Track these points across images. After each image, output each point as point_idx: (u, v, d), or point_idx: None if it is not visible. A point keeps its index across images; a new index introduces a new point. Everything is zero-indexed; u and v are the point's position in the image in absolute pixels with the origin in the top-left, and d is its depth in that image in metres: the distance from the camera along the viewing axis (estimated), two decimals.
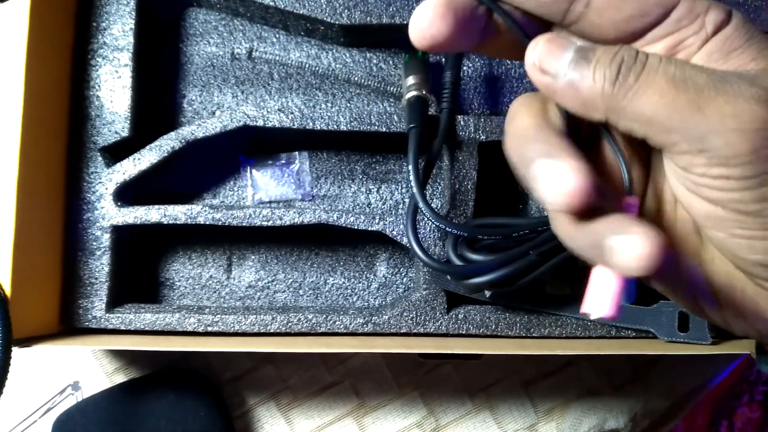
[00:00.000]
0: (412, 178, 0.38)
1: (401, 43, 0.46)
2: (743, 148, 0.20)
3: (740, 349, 0.40)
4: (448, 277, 0.41)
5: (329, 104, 0.46)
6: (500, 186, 0.47)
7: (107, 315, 0.42)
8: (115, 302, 0.43)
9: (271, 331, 0.42)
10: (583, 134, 0.24)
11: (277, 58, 0.46)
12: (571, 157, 0.21)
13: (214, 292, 0.47)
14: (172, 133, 0.43)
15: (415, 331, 0.42)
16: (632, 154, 0.25)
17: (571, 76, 0.22)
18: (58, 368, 0.48)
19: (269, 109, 0.43)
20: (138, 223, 0.42)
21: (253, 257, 0.47)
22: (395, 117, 0.43)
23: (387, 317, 0.42)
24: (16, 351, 0.36)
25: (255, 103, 0.46)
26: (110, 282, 0.42)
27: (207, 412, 0.45)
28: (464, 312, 0.42)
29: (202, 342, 0.40)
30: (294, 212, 0.42)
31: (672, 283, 0.25)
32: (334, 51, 0.46)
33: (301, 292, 0.47)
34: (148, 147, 0.43)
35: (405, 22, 0.42)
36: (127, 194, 0.43)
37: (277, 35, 0.47)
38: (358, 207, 0.47)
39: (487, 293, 0.42)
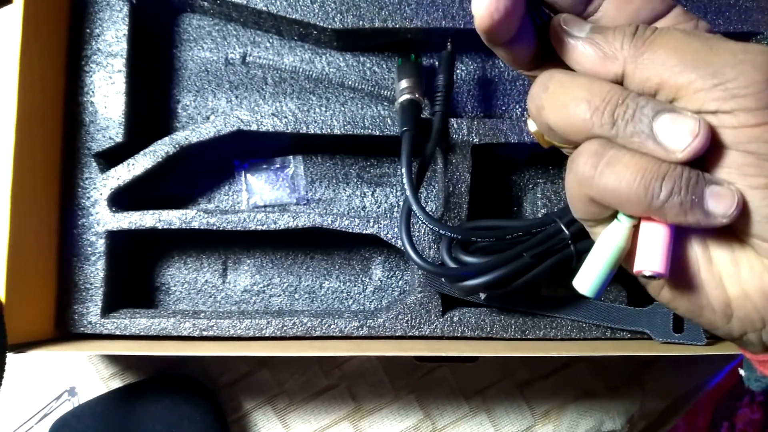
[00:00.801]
0: (405, 181, 0.38)
1: (394, 46, 0.46)
2: (756, 76, 0.21)
3: (735, 350, 0.40)
4: (443, 279, 0.41)
5: (323, 108, 0.46)
6: (494, 188, 0.47)
7: (102, 320, 0.42)
8: (110, 307, 0.43)
9: (266, 335, 0.42)
10: None
11: (271, 62, 0.47)
12: None
13: (210, 296, 0.47)
14: (166, 138, 0.43)
15: (410, 334, 0.42)
16: None
17: (592, 35, 0.24)
18: (55, 374, 0.48)
19: (263, 114, 0.43)
20: (133, 228, 0.42)
21: (248, 261, 0.47)
22: (389, 120, 0.43)
23: (382, 320, 0.42)
24: (11, 357, 0.36)
25: (249, 108, 0.46)
26: (105, 287, 0.42)
27: (203, 417, 0.45)
28: (459, 314, 0.42)
29: (197, 346, 0.40)
30: (288, 216, 0.42)
31: (695, 299, 0.25)
32: (327, 55, 0.47)
33: (296, 296, 0.47)
34: (142, 152, 0.43)
35: (397, 26, 0.43)
36: (121, 199, 0.43)
37: (270, 40, 0.47)
38: (352, 210, 0.47)
39: (482, 295, 0.42)
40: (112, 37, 0.43)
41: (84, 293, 0.42)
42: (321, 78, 0.46)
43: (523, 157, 0.47)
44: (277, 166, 0.47)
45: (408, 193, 0.38)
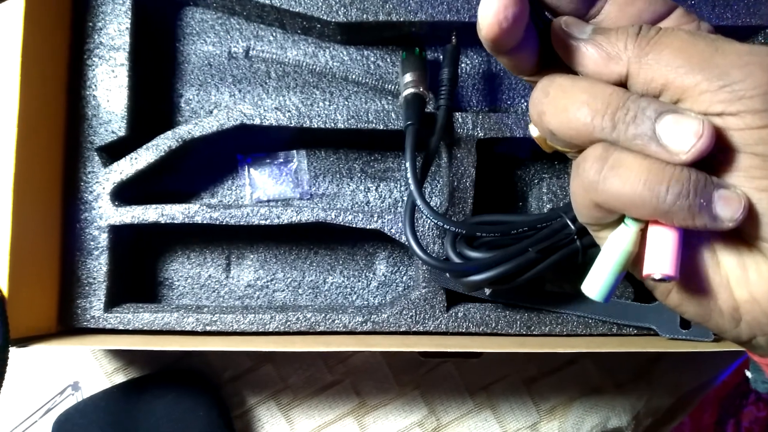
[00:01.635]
0: (409, 176, 0.38)
1: (398, 40, 0.46)
2: (763, 78, 0.21)
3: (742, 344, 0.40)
4: (447, 275, 0.41)
5: (327, 102, 0.46)
6: (499, 183, 0.47)
7: (105, 315, 0.42)
8: (113, 302, 0.43)
9: (270, 330, 0.42)
10: None
11: (274, 56, 0.46)
12: None
13: (213, 291, 0.47)
14: (169, 133, 0.42)
15: (414, 329, 0.42)
16: None
17: (594, 36, 0.23)
18: (58, 368, 0.48)
19: (266, 108, 0.42)
20: (135, 222, 0.42)
21: (252, 256, 0.47)
22: (393, 114, 0.42)
23: (386, 316, 0.42)
24: (15, 351, 0.36)
25: (252, 102, 0.46)
26: (108, 282, 0.42)
27: (207, 412, 0.45)
28: (464, 310, 0.42)
29: (200, 341, 0.40)
30: (292, 211, 0.42)
31: (704, 301, 0.24)
32: (331, 49, 0.46)
33: (300, 291, 0.47)
34: (145, 146, 0.42)
35: (401, 19, 0.42)
36: (124, 194, 0.43)
37: (273, 34, 0.46)
38: (356, 205, 0.47)
39: (487, 291, 0.41)
40: (114, 31, 0.43)
41: (87, 288, 0.42)
42: (324, 72, 0.46)
43: (528, 152, 0.47)
44: (281, 160, 0.47)
45: (412, 187, 0.38)
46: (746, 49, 0.21)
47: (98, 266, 0.42)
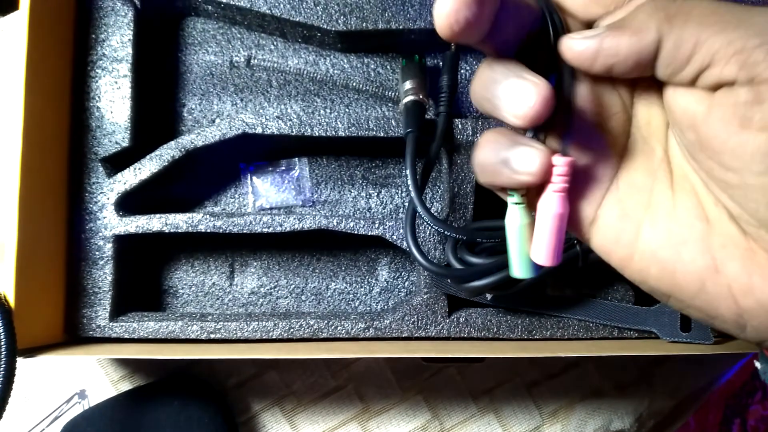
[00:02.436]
0: (409, 182, 0.38)
1: (398, 47, 0.46)
2: (738, 34, 0.20)
3: (743, 349, 0.40)
4: (449, 280, 0.41)
5: (328, 110, 0.46)
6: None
7: (111, 324, 0.42)
8: (118, 311, 0.43)
9: (273, 337, 0.42)
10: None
11: (276, 65, 0.47)
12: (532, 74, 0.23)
13: (217, 299, 0.47)
14: (172, 143, 0.43)
15: (416, 335, 0.42)
16: (631, 158, 0.26)
17: (612, 27, 0.23)
18: (65, 377, 0.49)
19: (268, 117, 0.43)
20: (140, 232, 0.42)
21: (255, 264, 0.48)
22: (393, 122, 0.43)
23: (388, 322, 0.42)
24: (22, 361, 0.37)
25: (254, 111, 0.47)
26: (113, 291, 0.42)
27: (212, 419, 0.45)
28: (465, 315, 0.42)
29: (205, 349, 0.40)
30: (294, 218, 0.43)
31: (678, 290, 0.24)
32: (331, 57, 0.47)
33: (303, 297, 0.47)
34: (148, 156, 0.43)
35: (401, 27, 0.43)
36: (128, 204, 0.44)
37: (275, 42, 0.47)
38: (358, 212, 0.47)
39: (488, 296, 0.42)
40: (117, 42, 0.43)
41: (92, 297, 0.42)
42: (325, 80, 0.47)
43: None
44: (283, 168, 0.47)
45: (413, 194, 0.38)
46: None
47: (103, 276, 0.42)
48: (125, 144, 0.43)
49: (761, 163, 0.21)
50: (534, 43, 0.24)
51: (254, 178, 0.47)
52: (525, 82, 0.22)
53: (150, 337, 0.42)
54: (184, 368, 0.49)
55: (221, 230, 0.42)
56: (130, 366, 0.49)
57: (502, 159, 0.24)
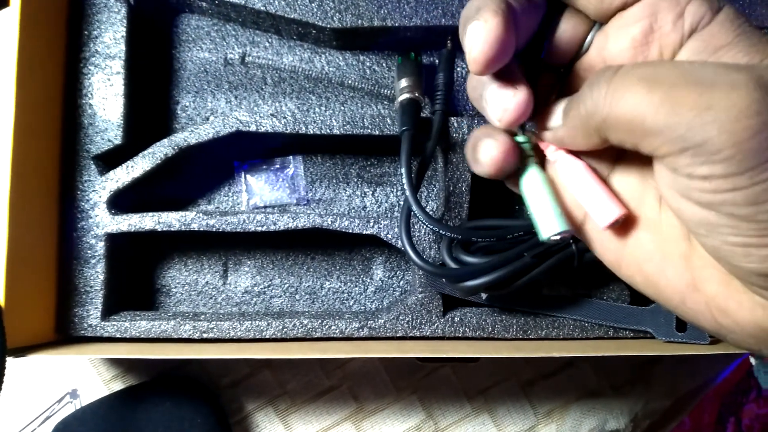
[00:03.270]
0: (404, 181, 0.38)
1: (394, 45, 0.46)
2: (724, 141, 0.19)
3: (738, 349, 0.40)
4: (444, 280, 0.41)
5: (323, 108, 0.46)
6: (495, 188, 0.47)
7: (103, 323, 0.42)
8: (110, 310, 0.43)
9: (267, 336, 0.42)
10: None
11: (270, 62, 0.46)
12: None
13: (211, 298, 0.47)
14: (165, 140, 0.43)
15: (411, 334, 0.42)
16: (626, 164, 0.25)
17: (564, 122, 0.24)
18: (56, 376, 0.48)
19: (262, 114, 0.43)
20: (132, 230, 0.42)
21: (248, 263, 0.47)
22: (388, 120, 0.42)
23: (383, 321, 0.42)
24: (12, 361, 0.36)
25: (248, 108, 0.46)
26: (105, 290, 0.42)
27: (205, 419, 0.45)
28: (460, 315, 0.42)
29: (197, 349, 0.40)
30: (288, 217, 0.42)
31: (662, 289, 0.25)
32: (327, 54, 0.46)
33: (297, 296, 0.47)
34: (141, 154, 0.42)
35: (396, 24, 0.42)
36: (121, 202, 0.43)
37: (269, 40, 0.47)
38: (353, 210, 0.47)
39: (483, 295, 0.41)
40: (110, 39, 0.43)
41: (84, 296, 0.42)
42: (320, 77, 0.46)
43: None
44: (277, 166, 0.47)
45: (408, 193, 0.38)
46: (705, 103, 0.19)
47: (95, 274, 0.42)
48: (118, 141, 0.43)
49: (704, 229, 0.21)
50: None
51: (248, 176, 0.47)
52: (504, 90, 0.23)
53: (142, 336, 0.42)
54: (177, 368, 0.48)
55: (214, 229, 0.42)
56: (123, 365, 0.48)
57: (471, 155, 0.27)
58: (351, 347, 0.40)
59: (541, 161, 0.27)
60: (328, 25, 0.43)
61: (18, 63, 0.37)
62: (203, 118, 0.46)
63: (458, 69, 0.47)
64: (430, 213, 0.43)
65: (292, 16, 0.43)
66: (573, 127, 0.23)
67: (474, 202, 0.43)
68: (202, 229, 0.42)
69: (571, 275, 0.44)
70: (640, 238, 0.25)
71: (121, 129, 0.43)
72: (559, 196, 0.26)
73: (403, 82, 0.42)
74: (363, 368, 0.49)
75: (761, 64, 0.20)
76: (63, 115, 0.43)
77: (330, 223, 0.42)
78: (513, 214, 0.47)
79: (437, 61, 0.44)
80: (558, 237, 0.25)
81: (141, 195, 0.45)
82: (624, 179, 0.25)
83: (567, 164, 0.26)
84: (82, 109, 0.43)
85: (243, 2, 0.43)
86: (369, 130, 0.42)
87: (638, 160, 0.25)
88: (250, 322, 0.42)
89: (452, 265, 0.39)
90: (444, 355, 0.39)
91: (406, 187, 0.38)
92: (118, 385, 0.48)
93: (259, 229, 0.42)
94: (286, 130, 0.42)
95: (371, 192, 0.47)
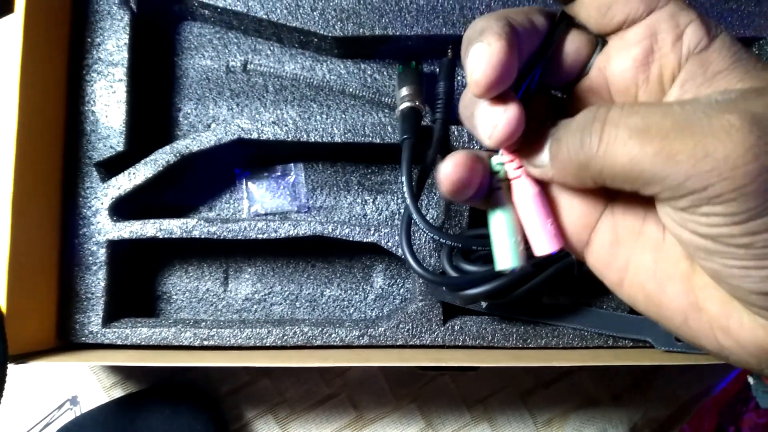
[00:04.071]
0: (405, 189, 0.38)
1: (395, 53, 0.46)
2: (724, 187, 0.19)
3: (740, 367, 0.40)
4: (444, 288, 0.41)
5: (324, 116, 0.46)
6: None
7: (104, 330, 0.42)
8: (111, 317, 0.43)
9: (267, 344, 0.42)
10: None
11: (272, 70, 0.47)
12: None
13: (211, 305, 0.47)
14: (167, 147, 0.43)
15: (411, 343, 0.42)
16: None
17: (552, 164, 0.23)
18: (57, 383, 0.48)
19: (264, 122, 0.43)
20: (134, 237, 0.42)
21: (249, 270, 0.47)
22: (389, 128, 0.43)
23: (383, 329, 0.42)
24: (13, 367, 0.36)
25: (250, 116, 0.46)
26: (106, 297, 0.42)
27: (204, 427, 0.45)
28: (460, 323, 0.42)
29: (198, 357, 0.40)
30: (289, 224, 0.42)
31: (663, 310, 0.25)
32: (328, 62, 0.47)
33: (297, 304, 0.47)
34: (143, 161, 0.43)
35: (397, 33, 0.42)
36: (122, 209, 0.43)
37: (271, 48, 0.47)
38: (353, 218, 0.47)
39: (483, 304, 0.41)
40: (113, 46, 0.43)
41: (85, 303, 0.42)
42: (322, 85, 0.46)
43: None
44: (278, 173, 0.47)
45: (408, 201, 0.38)
46: (702, 153, 0.19)
47: (96, 281, 0.42)
48: (120, 148, 0.43)
49: (703, 253, 0.21)
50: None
51: (249, 183, 0.47)
52: (495, 107, 0.23)
53: (143, 343, 0.42)
54: (177, 375, 0.48)
55: (215, 236, 0.42)
56: (123, 372, 0.48)
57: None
58: (351, 356, 0.40)
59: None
60: (330, 34, 0.43)
61: (21, 69, 0.37)
62: (205, 126, 0.47)
63: (459, 78, 0.47)
64: (431, 221, 0.43)
65: (294, 25, 0.43)
66: (563, 172, 0.23)
67: (474, 211, 0.43)
68: (203, 237, 0.42)
69: (570, 284, 0.45)
70: (643, 258, 0.25)
71: (123, 136, 0.43)
72: (557, 216, 0.26)
73: (404, 91, 0.42)
74: (362, 376, 0.49)
75: (753, 98, 0.20)
76: (65, 122, 0.43)
77: (331, 230, 0.42)
78: None
79: (438, 69, 0.44)
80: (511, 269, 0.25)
81: (143, 202, 0.45)
82: (627, 199, 0.25)
83: (520, 187, 0.25)
84: (85, 116, 0.43)
85: (245, 10, 0.43)
86: (370, 138, 0.43)
87: None
88: (250, 329, 0.42)
89: (452, 273, 0.39)
90: (444, 364, 0.39)
91: (406, 195, 0.38)
92: (118, 392, 0.48)
93: (260, 236, 0.42)
94: (288, 137, 0.43)
95: (372, 200, 0.47)
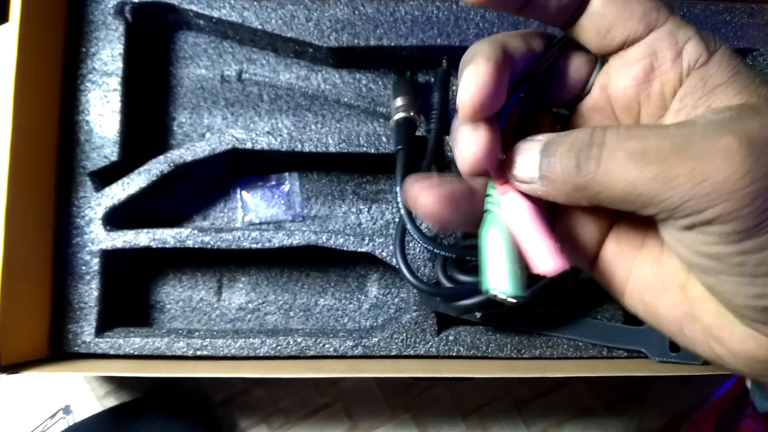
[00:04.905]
0: (399, 200, 0.38)
1: (390, 64, 0.46)
2: (722, 209, 0.19)
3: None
4: (438, 298, 0.41)
5: (319, 125, 0.46)
6: None
7: (96, 339, 0.42)
8: (104, 326, 0.43)
9: (260, 354, 0.42)
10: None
11: (267, 79, 0.47)
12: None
13: (205, 314, 0.47)
14: (161, 157, 0.43)
15: (405, 353, 0.42)
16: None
17: (542, 182, 0.23)
18: (49, 392, 0.48)
19: (258, 132, 0.43)
20: (127, 247, 0.42)
21: (243, 279, 0.47)
22: (384, 138, 0.43)
23: (377, 339, 0.42)
24: (5, 377, 0.36)
25: (244, 125, 0.46)
26: (100, 306, 0.42)
27: None
28: (455, 333, 0.42)
29: (190, 367, 0.40)
30: (283, 234, 0.42)
31: (660, 317, 0.25)
32: (323, 72, 0.47)
33: (291, 313, 0.47)
34: (136, 171, 0.43)
35: (392, 44, 0.43)
36: (116, 218, 0.43)
37: (266, 57, 0.47)
38: (348, 227, 0.47)
39: (478, 314, 0.41)
40: (107, 56, 0.43)
41: (78, 312, 0.42)
42: (317, 95, 0.46)
43: None
44: (273, 183, 0.47)
45: (402, 212, 0.38)
46: (700, 176, 0.19)
47: (90, 291, 0.42)
48: (114, 158, 0.43)
49: (698, 268, 0.22)
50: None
51: (243, 192, 0.47)
52: (469, 137, 0.22)
53: (136, 353, 0.42)
54: (171, 384, 0.48)
55: (209, 246, 0.42)
56: (116, 382, 0.48)
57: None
58: (345, 366, 0.40)
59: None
60: (325, 44, 0.43)
61: (16, 78, 0.37)
62: (199, 135, 0.47)
63: (453, 88, 0.47)
64: (425, 231, 0.43)
65: (288, 35, 0.43)
66: (555, 191, 0.22)
67: None
68: (197, 246, 0.42)
69: (565, 295, 0.45)
70: (643, 270, 0.25)
71: (117, 146, 0.43)
72: (569, 231, 0.25)
73: (399, 101, 0.42)
74: (357, 386, 0.49)
75: (749, 117, 0.21)
76: (59, 132, 0.43)
77: (325, 240, 0.42)
78: None
79: (433, 80, 0.44)
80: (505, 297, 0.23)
81: (136, 211, 0.45)
82: (631, 215, 0.26)
83: (512, 203, 0.23)
84: (79, 126, 0.43)
85: (240, 21, 0.43)
86: (365, 148, 0.43)
87: None
88: (243, 339, 0.42)
89: (446, 283, 0.39)
90: (438, 375, 0.39)
91: (401, 206, 0.38)
92: (111, 401, 0.48)
93: (254, 246, 0.42)
94: (282, 147, 0.43)
95: (367, 209, 0.47)
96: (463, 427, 0.50)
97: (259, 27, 0.43)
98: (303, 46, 0.44)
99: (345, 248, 0.42)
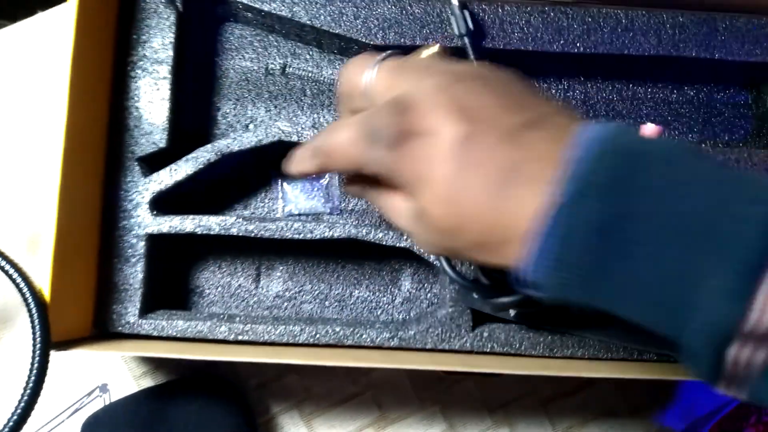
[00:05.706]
0: None
1: None
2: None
3: None
4: (475, 295, 0.42)
5: None
6: None
7: (140, 321, 0.43)
8: (147, 308, 0.44)
9: (300, 342, 0.43)
10: None
11: (310, 74, 0.47)
12: None
13: (243, 300, 0.48)
14: (209, 146, 0.44)
15: (440, 347, 0.43)
16: None
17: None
18: (87, 370, 0.49)
19: (303, 126, 0.44)
20: (173, 232, 0.43)
21: (281, 268, 0.48)
22: None
23: (413, 332, 0.43)
24: (53, 354, 0.37)
25: (287, 118, 0.47)
26: (144, 288, 0.43)
27: (233, 420, 0.46)
28: (489, 330, 0.43)
29: (231, 351, 0.41)
30: (324, 226, 0.43)
31: None
32: None
33: (326, 303, 0.48)
34: (184, 158, 0.44)
35: (438, 44, 0.43)
36: (162, 203, 0.44)
37: (310, 52, 0.48)
38: (385, 222, 0.48)
39: (512, 312, 0.42)
40: (158, 44, 0.44)
41: (123, 294, 0.43)
42: None
43: None
44: (313, 176, 0.48)
45: None
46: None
47: (135, 273, 0.43)
48: (162, 145, 0.44)
49: None
50: None
51: (285, 184, 0.48)
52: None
53: (178, 335, 0.43)
54: (207, 367, 0.49)
55: (253, 234, 0.43)
56: (153, 362, 0.49)
57: None
58: (382, 357, 0.41)
59: None
60: (371, 42, 0.44)
61: (73, 60, 0.38)
62: (243, 126, 0.47)
63: None
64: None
65: (336, 32, 0.44)
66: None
67: None
68: (241, 234, 0.43)
69: None
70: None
71: (165, 132, 0.44)
72: None
73: None
74: (387, 377, 0.50)
75: None
76: (110, 117, 0.44)
77: (365, 234, 0.43)
78: None
79: None
80: None
81: (181, 197, 0.46)
82: None
83: None
84: (129, 112, 0.44)
85: (289, 15, 0.44)
86: None
87: None
88: (284, 326, 0.43)
89: (484, 280, 0.40)
90: (473, 370, 0.39)
91: None
92: (147, 382, 0.49)
93: (296, 237, 0.43)
94: None
95: None
96: (489, 422, 0.51)
97: (308, 22, 0.44)
98: (349, 43, 0.45)
99: (384, 243, 0.43)
